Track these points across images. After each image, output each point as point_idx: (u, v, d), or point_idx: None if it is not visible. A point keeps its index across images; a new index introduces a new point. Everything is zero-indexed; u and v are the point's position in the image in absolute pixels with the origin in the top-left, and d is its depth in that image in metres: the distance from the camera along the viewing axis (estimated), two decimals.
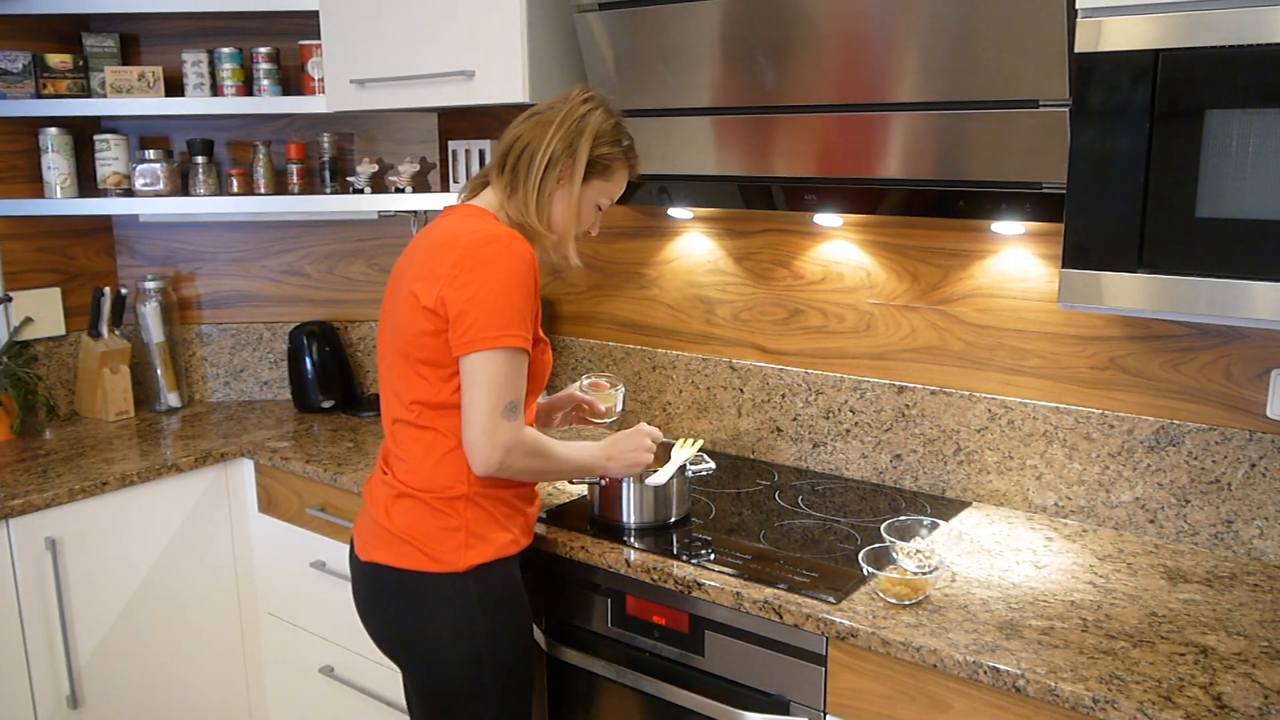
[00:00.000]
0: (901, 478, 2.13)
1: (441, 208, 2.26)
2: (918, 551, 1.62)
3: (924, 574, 1.59)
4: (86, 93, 2.58)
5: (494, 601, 1.63)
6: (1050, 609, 1.56)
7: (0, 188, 2.58)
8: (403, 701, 2.02)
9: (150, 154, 2.59)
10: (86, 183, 2.67)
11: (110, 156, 2.60)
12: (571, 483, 1.93)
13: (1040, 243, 1.91)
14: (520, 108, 1.93)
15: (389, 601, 1.65)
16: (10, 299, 2.59)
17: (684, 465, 1.88)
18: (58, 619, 2.16)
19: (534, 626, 1.90)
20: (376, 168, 2.65)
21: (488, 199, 1.71)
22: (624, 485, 1.87)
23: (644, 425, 1.85)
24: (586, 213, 1.72)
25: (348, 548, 2.25)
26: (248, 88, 2.59)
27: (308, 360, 2.74)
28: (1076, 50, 1.44)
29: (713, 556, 1.75)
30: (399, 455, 1.67)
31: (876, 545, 1.66)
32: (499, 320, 1.53)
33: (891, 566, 1.62)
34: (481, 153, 2.57)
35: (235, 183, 2.66)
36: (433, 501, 1.62)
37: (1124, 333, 1.85)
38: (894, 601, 1.57)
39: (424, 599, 1.62)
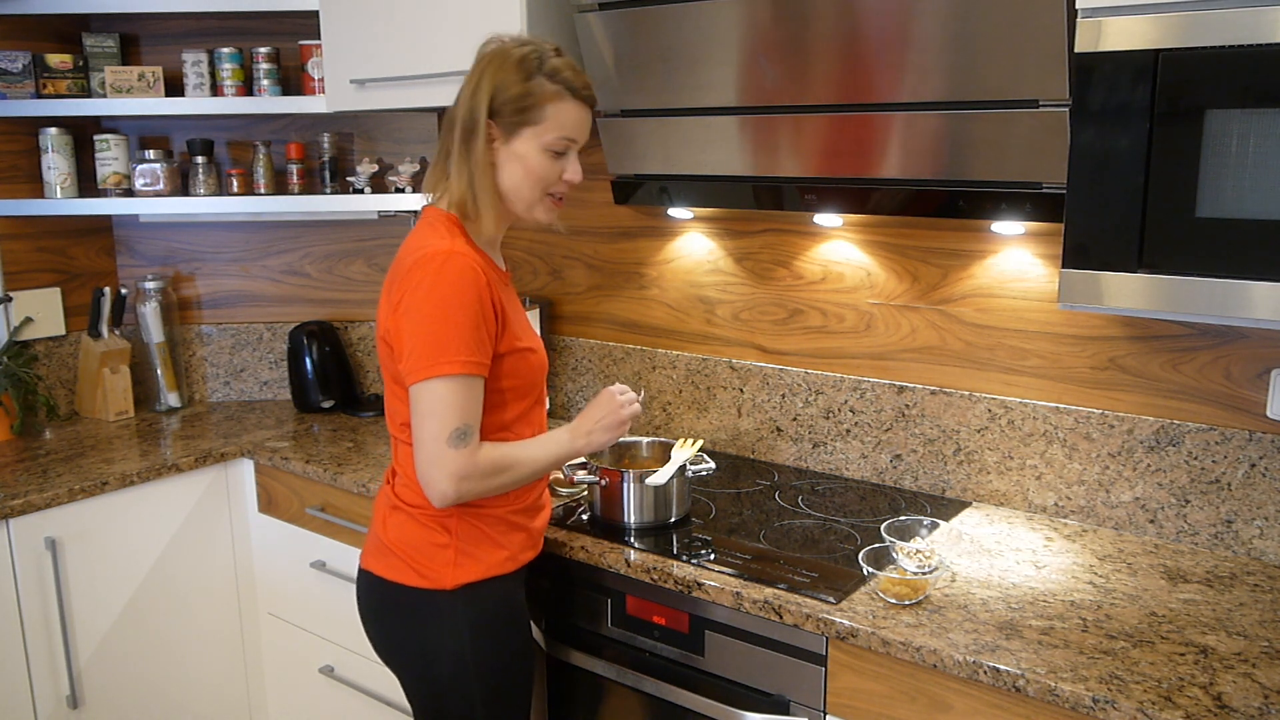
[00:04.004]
0: (901, 478, 2.13)
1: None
2: (918, 551, 1.62)
3: (924, 574, 1.59)
4: (86, 93, 2.58)
5: (483, 621, 1.60)
6: (1050, 609, 1.56)
7: (0, 188, 2.59)
8: (403, 701, 2.02)
9: (150, 154, 2.59)
10: (86, 183, 2.67)
11: (110, 156, 2.60)
12: (572, 482, 1.92)
13: (1040, 243, 1.91)
14: None
15: (381, 612, 1.65)
16: (10, 299, 2.59)
17: (684, 465, 1.88)
18: (58, 619, 2.16)
19: (534, 629, 1.90)
20: (376, 168, 2.65)
21: (448, 197, 1.61)
22: (624, 485, 1.87)
23: (613, 388, 1.71)
24: (537, 165, 1.54)
25: (349, 548, 2.27)
26: (248, 88, 2.59)
27: (308, 360, 2.74)
28: (1076, 50, 1.44)
29: (713, 556, 1.75)
30: (396, 469, 1.66)
31: (876, 545, 1.66)
32: (434, 347, 1.46)
33: (891, 566, 1.62)
34: None
35: (235, 183, 2.66)
36: (422, 518, 1.60)
37: (1124, 333, 1.85)
38: (894, 601, 1.57)
39: (412, 614, 1.60)
